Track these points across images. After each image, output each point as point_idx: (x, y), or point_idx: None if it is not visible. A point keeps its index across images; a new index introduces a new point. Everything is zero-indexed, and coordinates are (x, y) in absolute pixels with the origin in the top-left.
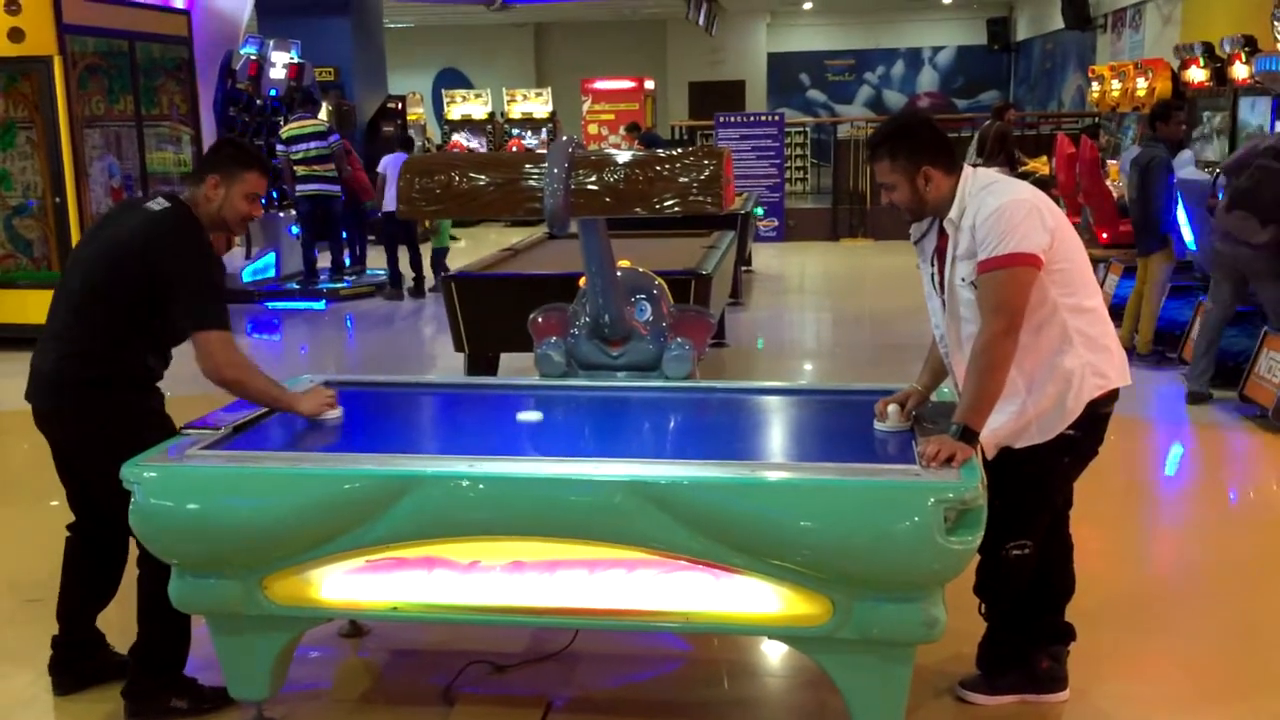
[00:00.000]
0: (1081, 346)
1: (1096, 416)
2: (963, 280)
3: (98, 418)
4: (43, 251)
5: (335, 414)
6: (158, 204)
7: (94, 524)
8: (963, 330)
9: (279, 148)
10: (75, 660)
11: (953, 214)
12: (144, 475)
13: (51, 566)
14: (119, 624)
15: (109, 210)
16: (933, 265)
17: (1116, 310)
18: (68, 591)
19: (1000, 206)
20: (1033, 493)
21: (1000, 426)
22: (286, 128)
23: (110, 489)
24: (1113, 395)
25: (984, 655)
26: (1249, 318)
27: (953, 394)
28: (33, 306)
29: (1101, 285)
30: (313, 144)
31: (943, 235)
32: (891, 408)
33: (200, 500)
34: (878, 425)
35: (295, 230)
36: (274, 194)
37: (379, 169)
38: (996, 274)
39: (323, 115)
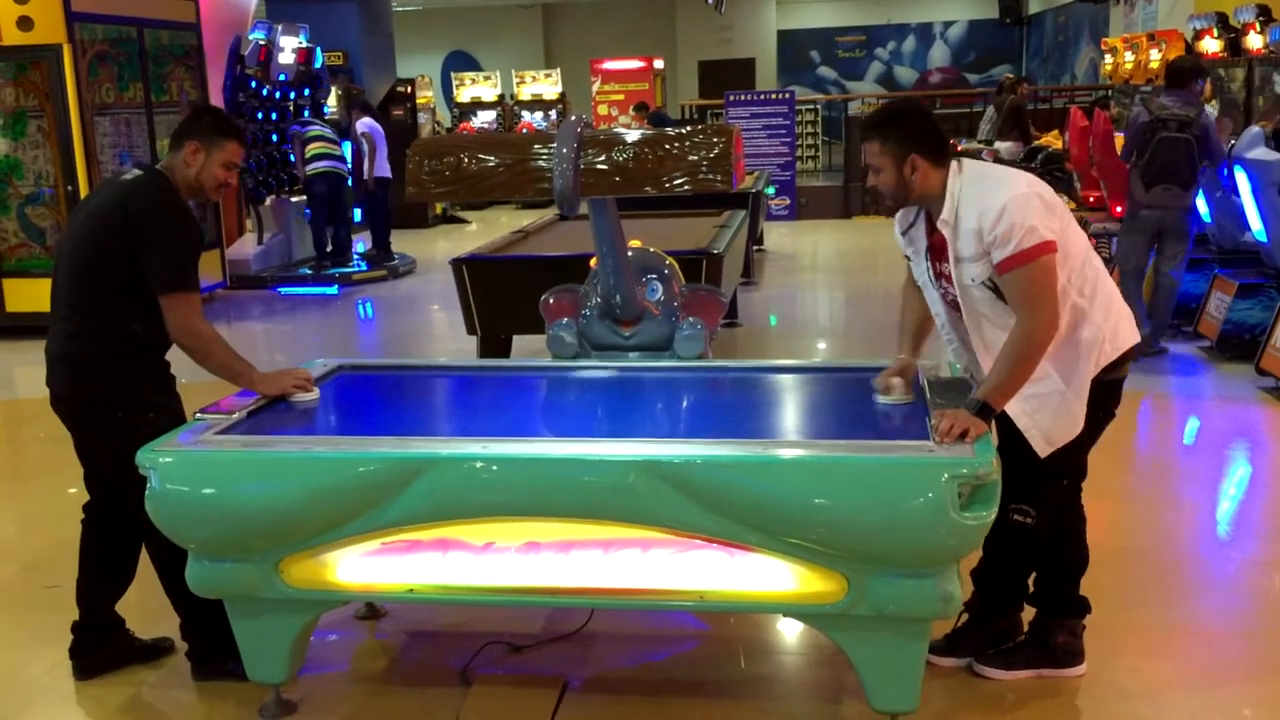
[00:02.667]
0: (1096, 313)
1: (1108, 383)
2: (974, 280)
3: (105, 394)
4: (55, 240)
5: (309, 396)
6: (132, 174)
7: (107, 503)
8: (983, 327)
9: (293, 129)
10: (94, 644)
11: (945, 214)
12: (159, 460)
13: (72, 554)
14: (139, 609)
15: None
16: (927, 260)
17: None
18: (85, 573)
19: (1004, 205)
20: (1041, 460)
21: (1051, 426)
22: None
23: (120, 469)
24: (1127, 357)
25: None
26: (1263, 289)
27: (959, 371)
28: (47, 295)
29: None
30: (328, 128)
31: (936, 232)
32: (895, 380)
33: (216, 485)
34: (882, 399)
35: (308, 212)
36: (284, 179)
37: (360, 134)
38: (1022, 270)
39: (332, 101)
